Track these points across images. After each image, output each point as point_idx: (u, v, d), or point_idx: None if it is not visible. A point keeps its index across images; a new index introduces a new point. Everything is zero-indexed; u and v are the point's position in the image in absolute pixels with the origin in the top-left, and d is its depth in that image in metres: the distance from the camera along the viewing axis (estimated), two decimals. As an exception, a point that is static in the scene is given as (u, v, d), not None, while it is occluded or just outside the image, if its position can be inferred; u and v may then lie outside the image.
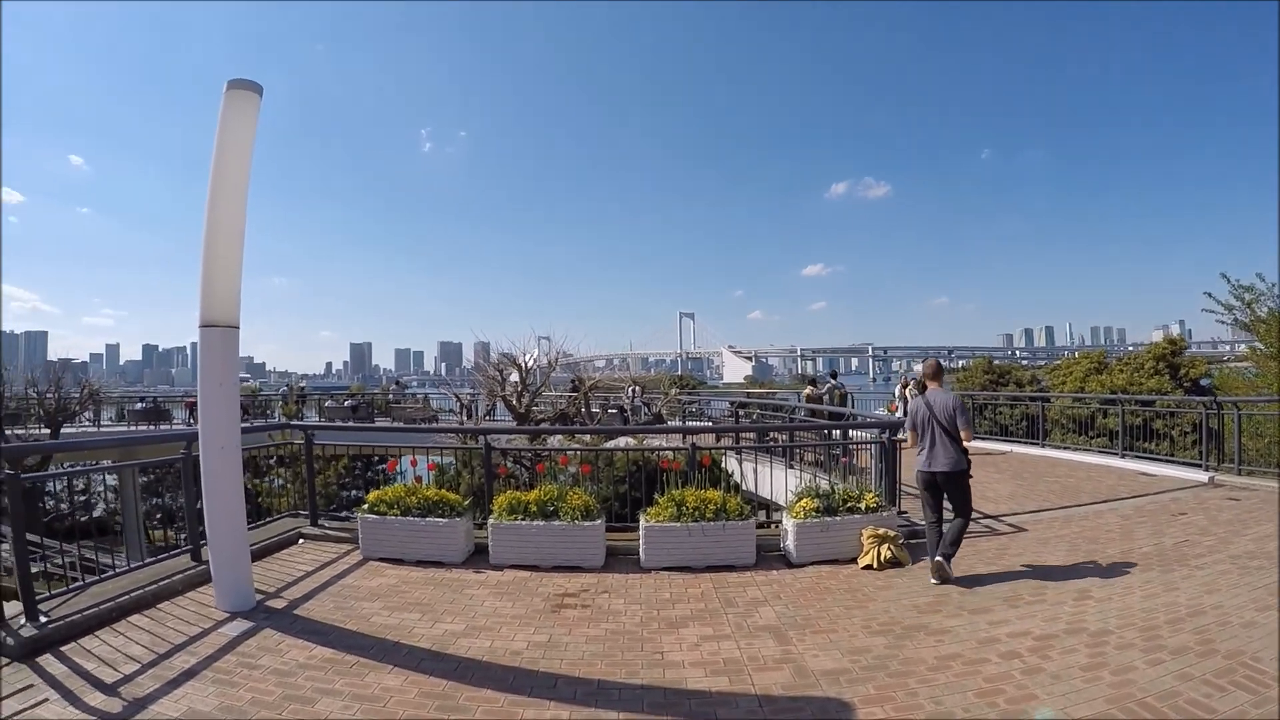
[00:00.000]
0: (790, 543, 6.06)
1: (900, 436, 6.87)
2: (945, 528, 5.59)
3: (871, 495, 6.44)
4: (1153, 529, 6.88)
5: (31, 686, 3.53)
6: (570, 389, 21.19)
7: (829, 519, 6.11)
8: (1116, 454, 11.35)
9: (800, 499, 6.29)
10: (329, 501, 12.29)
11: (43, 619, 4.15)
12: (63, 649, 3.98)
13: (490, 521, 6.10)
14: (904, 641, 4.24)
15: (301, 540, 6.67)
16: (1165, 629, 4.26)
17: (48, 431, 19.10)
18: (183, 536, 6.09)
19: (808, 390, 16.49)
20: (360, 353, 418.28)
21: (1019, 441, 13.70)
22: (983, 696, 3.49)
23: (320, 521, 7.04)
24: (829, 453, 9.05)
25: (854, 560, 5.97)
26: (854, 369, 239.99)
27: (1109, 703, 3.37)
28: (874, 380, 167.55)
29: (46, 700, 3.41)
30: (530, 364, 18.11)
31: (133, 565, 5.26)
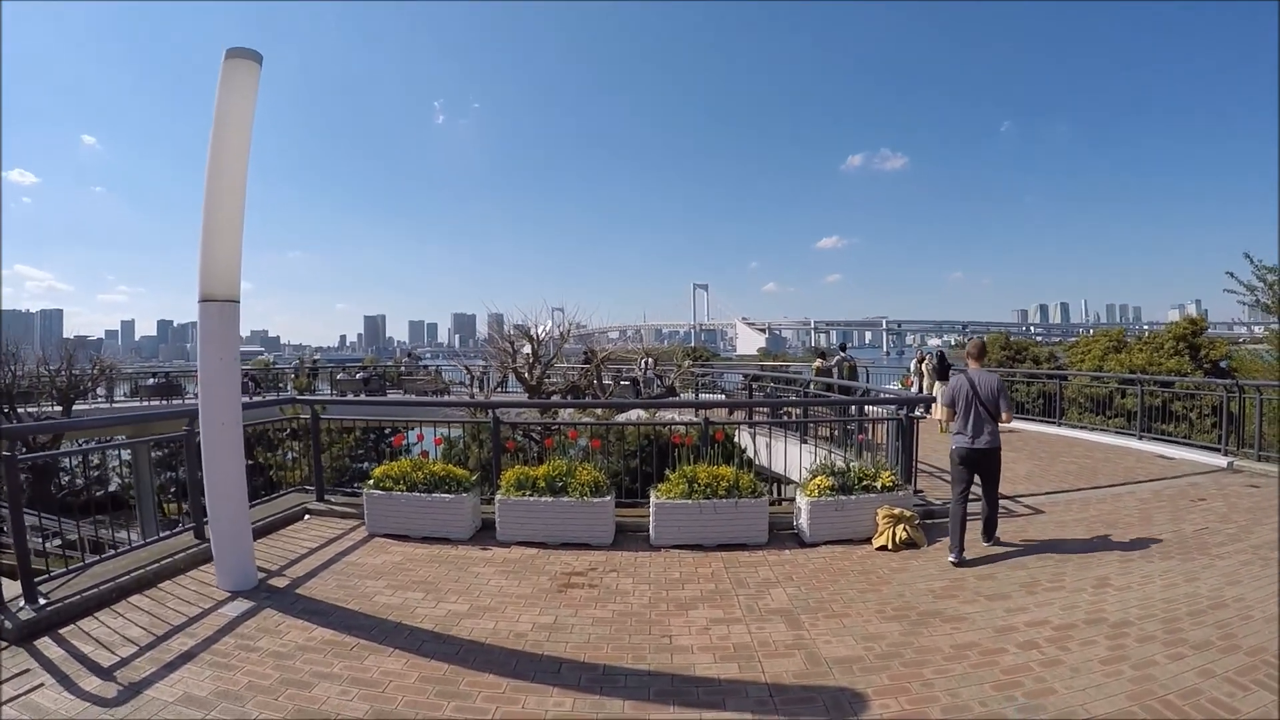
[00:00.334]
0: (804, 521, 5.95)
1: (919, 413, 6.78)
2: (970, 506, 5.62)
3: (888, 474, 6.29)
4: (1172, 514, 6.70)
5: (28, 671, 3.49)
6: (583, 361, 21.09)
7: (844, 498, 5.98)
8: (1134, 435, 11.10)
9: (815, 476, 6.17)
10: (341, 474, 12.29)
11: (41, 601, 4.11)
12: (61, 631, 3.95)
13: (498, 497, 6.02)
14: (919, 628, 4.13)
15: (307, 516, 6.64)
16: (1186, 621, 4.12)
17: (60, 409, 19.27)
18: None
19: (817, 363, 16.54)
20: (374, 325, 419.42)
21: (1035, 420, 13.43)
22: (1000, 689, 3.37)
23: (326, 497, 7.01)
24: (844, 428, 8.88)
25: (868, 540, 5.85)
26: (868, 342, 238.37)
27: (1130, 699, 3.24)
28: (887, 354, 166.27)
29: (42, 685, 3.37)
30: (543, 336, 17.96)
31: (134, 544, 5.23)
